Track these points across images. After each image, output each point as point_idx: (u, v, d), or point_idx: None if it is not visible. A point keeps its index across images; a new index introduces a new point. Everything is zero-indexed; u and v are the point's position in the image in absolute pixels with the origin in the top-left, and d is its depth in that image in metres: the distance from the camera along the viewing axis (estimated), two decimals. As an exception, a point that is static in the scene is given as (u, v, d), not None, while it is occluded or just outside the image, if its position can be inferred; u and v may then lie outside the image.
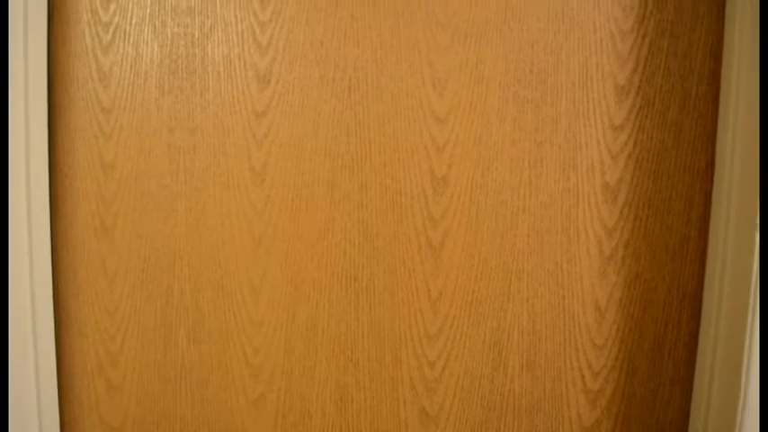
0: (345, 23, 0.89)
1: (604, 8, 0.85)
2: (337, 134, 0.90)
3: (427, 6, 0.87)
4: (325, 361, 0.95)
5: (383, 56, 0.89)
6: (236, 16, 0.90)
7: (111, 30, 0.93)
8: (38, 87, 0.92)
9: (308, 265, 0.93)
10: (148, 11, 0.92)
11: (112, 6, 0.92)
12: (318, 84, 0.90)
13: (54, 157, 0.96)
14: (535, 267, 0.89)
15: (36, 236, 0.93)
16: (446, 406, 0.93)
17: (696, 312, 0.88)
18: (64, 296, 0.99)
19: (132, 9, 0.92)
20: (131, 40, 0.93)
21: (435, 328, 0.92)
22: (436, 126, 0.89)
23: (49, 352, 0.97)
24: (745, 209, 0.78)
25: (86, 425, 1.01)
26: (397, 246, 0.91)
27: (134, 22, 0.92)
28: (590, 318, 0.89)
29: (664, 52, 0.85)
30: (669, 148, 0.86)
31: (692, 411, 0.89)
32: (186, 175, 0.94)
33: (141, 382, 0.99)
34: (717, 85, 0.85)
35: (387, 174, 0.90)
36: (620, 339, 0.90)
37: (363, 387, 0.94)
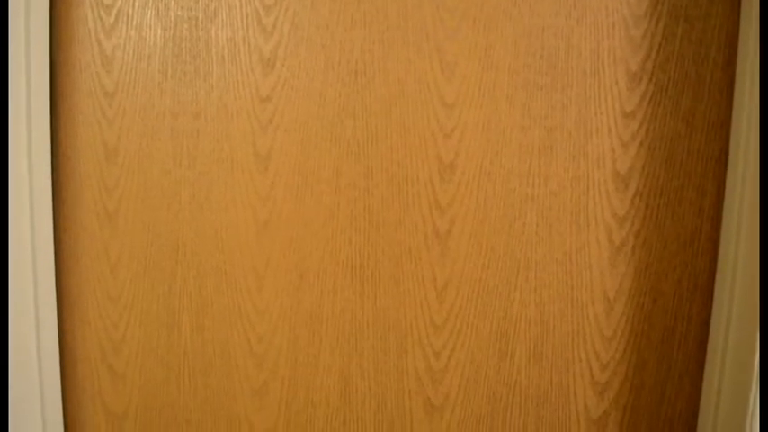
0: (352, 6, 0.87)
1: (617, -8, 0.83)
2: (343, 119, 0.89)
3: (436, -11, 0.86)
4: (330, 349, 0.94)
5: (390, 39, 0.87)
6: (240, -1, 0.89)
7: (114, 13, 0.92)
8: (40, 71, 0.91)
9: (312, 253, 0.92)
10: (152, -7, 0.90)
11: (115, -12, 0.91)
12: (324, 68, 0.89)
13: (56, 142, 0.95)
14: (543, 257, 0.88)
15: (38, 222, 0.92)
16: (451, 396, 0.92)
17: (707, 304, 0.87)
18: (66, 283, 0.98)
19: (135, -9, 0.91)
20: (134, 23, 0.91)
21: (441, 318, 0.91)
22: (444, 111, 0.88)
23: (52, 339, 0.97)
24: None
25: (89, 412, 1.01)
26: (403, 233, 0.90)
27: (137, 4, 0.91)
28: (599, 308, 0.88)
29: (678, 38, 0.83)
30: (682, 136, 0.85)
31: (702, 404, 0.88)
32: (190, 161, 0.93)
33: (144, 369, 0.98)
34: (732, 72, 0.83)
35: (393, 160, 0.89)
36: (629, 331, 0.88)
37: (368, 376, 0.94)
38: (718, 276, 0.86)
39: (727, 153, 0.84)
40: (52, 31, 0.93)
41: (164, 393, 0.98)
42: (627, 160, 0.86)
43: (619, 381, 0.90)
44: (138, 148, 0.94)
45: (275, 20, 0.89)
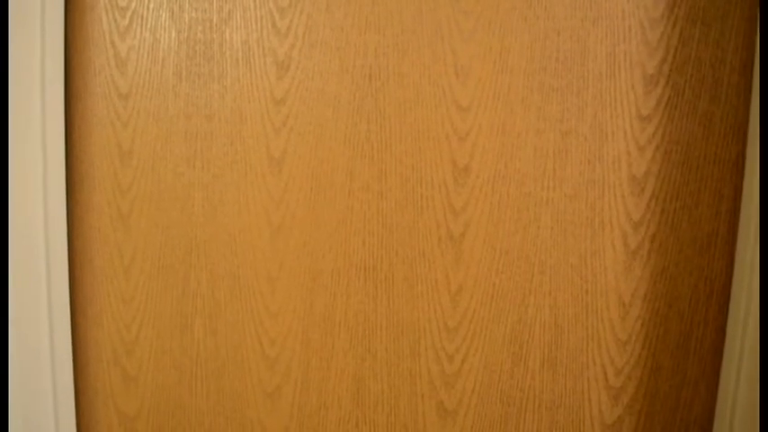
0: (366, 9, 0.87)
1: (634, -6, 0.83)
2: (357, 122, 0.89)
3: (450, -8, 0.85)
4: (343, 353, 0.93)
5: (405, 42, 0.87)
6: (254, 1, 0.89)
7: (129, 15, 0.92)
8: (54, 73, 0.91)
9: (325, 256, 0.92)
10: (166, -4, 0.91)
11: (130, -9, 0.92)
12: (338, 71, 0.88)
13: (70, 144, 0.95)
14: (558, 261, 0.88)
15: (52, 223, 0.92)
16: (465, 400, 0.92)
17: (723, 309, 0.86)
18: (79, 284, 0.98)
19: (150, -6, 0.91)
20: (149, 25, 0.92)
21: (455, 322, 0.91)
22: (459, 115, 0.87)
23: (65, 341, 0.97)
24: (779, 202, 0.76)
25: (102, 414, 1.01)
26: (416, 237, 0.90)
27: (151, 6, 0.91)
28: (614, 313, 0.88)
29: (695, 40, 0.82)
30: (698, 140, 0.84)
31: (718, 411, 0.87)
32: (203, 163, 0.93)
33: (156, 372, 0.98)
34: (749, 75, 0.82)
35: (407, 163, 0.89)
36: (644, 335, 0.88)
37: (381, 380, 0.93)
38: (734, 281, 0.85)
39: (744, 156, 0.83)
40: (67, 34, 0.93)
41: (176, 396, 0.98)
42: (643, 164, 0.85)
43: (633, 386, 0.89)
44: (152, 150, 0.94)
45: (290, 22, 0.89)
